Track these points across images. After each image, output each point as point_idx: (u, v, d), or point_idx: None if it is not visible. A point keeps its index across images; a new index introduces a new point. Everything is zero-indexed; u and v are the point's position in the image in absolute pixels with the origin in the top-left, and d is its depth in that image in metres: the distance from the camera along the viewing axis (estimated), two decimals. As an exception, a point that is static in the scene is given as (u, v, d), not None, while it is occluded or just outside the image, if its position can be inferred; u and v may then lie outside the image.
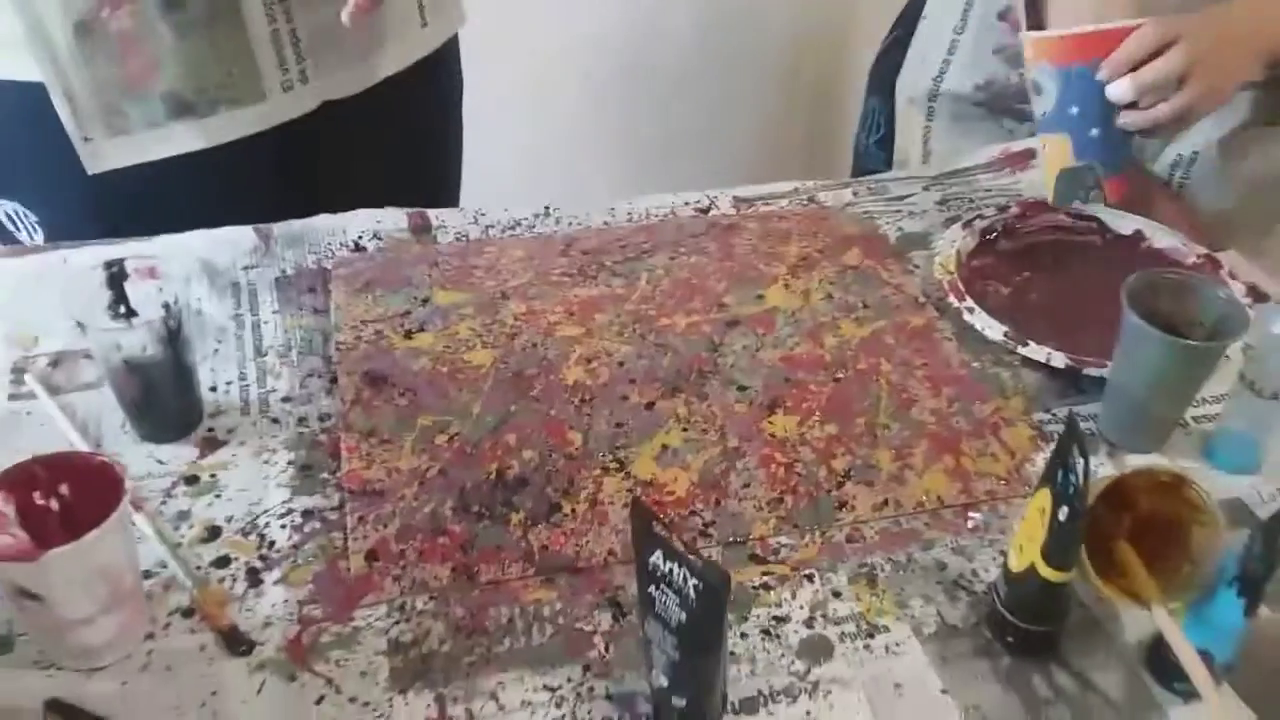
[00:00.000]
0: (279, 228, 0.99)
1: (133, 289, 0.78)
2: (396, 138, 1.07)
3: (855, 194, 1.07)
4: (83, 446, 0.78)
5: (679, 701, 0.62)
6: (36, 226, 0.98)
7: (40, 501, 0.65)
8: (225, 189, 0.97)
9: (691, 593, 0.57)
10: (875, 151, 1.24)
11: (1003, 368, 0.87)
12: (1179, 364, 0.76)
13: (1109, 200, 0.92)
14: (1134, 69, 0.84)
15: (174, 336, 0.75)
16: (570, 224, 1.03)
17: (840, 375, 0.85)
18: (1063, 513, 0.61)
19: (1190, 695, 0.64)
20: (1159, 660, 0.66)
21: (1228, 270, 0.94)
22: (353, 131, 1.01)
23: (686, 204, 1.05)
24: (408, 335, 0.87)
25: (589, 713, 0.64)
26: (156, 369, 0.76)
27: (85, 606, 0.62)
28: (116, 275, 0.77)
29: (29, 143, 0.92)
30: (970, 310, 0.90)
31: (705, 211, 1.05)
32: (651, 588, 0.59)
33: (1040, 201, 1.02)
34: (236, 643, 0.67)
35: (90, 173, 0.90)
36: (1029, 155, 1.10)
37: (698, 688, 0.62)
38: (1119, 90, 0.85)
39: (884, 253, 0.98)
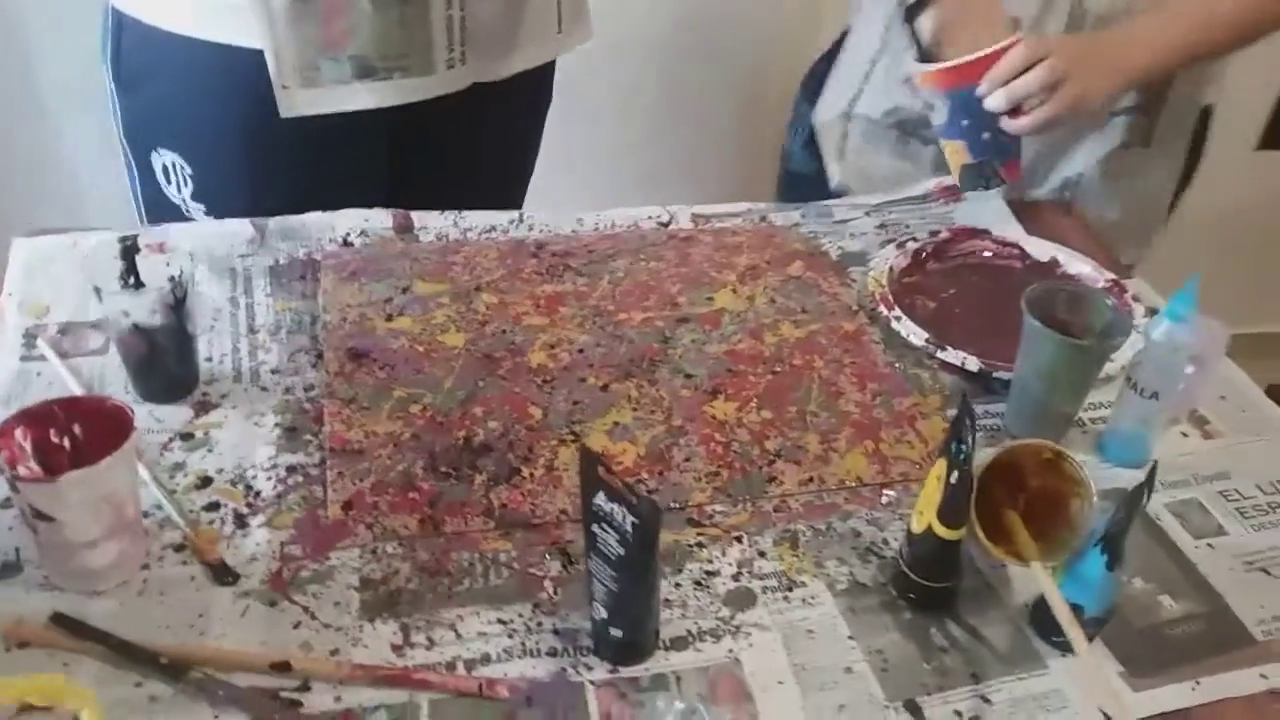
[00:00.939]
0: (274, 222, 1.08)
1: (142, 262, 0.86)
2: (497, 137, 1.20)
3: (803, 216, 1.17)
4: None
5: (616, 633, 0.71)
6: (188, 179, 1.09)
7: (54, 439, 0.73)
8: (344, 167, 1.09)
9: (629, 527, 0.65)
10: (801, 154, 1.33)
11: (923, 369, 0.97)
12: (1071, 362, 0.86)
13: (1009, 181, 1.08)
14: (1007, 84, 0.99)
15: (179, 305, 0.84)
16: (542, 230, 1.12)
17: (777, 369, 0.94)
18: (954, 476, 0.71)
19: (1067, 648, 0.73)
20: (1041, 617, 0.75)
21: (1132, 294, 1.05)
22: (472, 123, 1.14)
23: (649, 217, 1.15)
24: (389, 318, 0.96)
25: (536, 644, 0.72)
26: (161, 334, 0.84)
27: (92, 529, 0.70)
28: (129, 248, 0.86)
29: (201, 100, 1.05)
30: (897, 319, 1.00)
31: (665, 225, 1.14)
32: (595, 526, 0.67)
33: (969, 229, 1.13)
34: (224, 574, 0.75)
35: (283, 115, 1.02)
36: (957, 190, 1.21)
37: (633, 620, 0.70)
38: (994, 102, 1.00)
39: (825, 267, 1.08)
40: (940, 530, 0.73)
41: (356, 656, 0.70)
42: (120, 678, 0.68)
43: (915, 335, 0.98)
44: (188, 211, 1.11)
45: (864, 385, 0.94)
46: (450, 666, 0.70)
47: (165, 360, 0.86)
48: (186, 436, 0.85)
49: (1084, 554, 0.71)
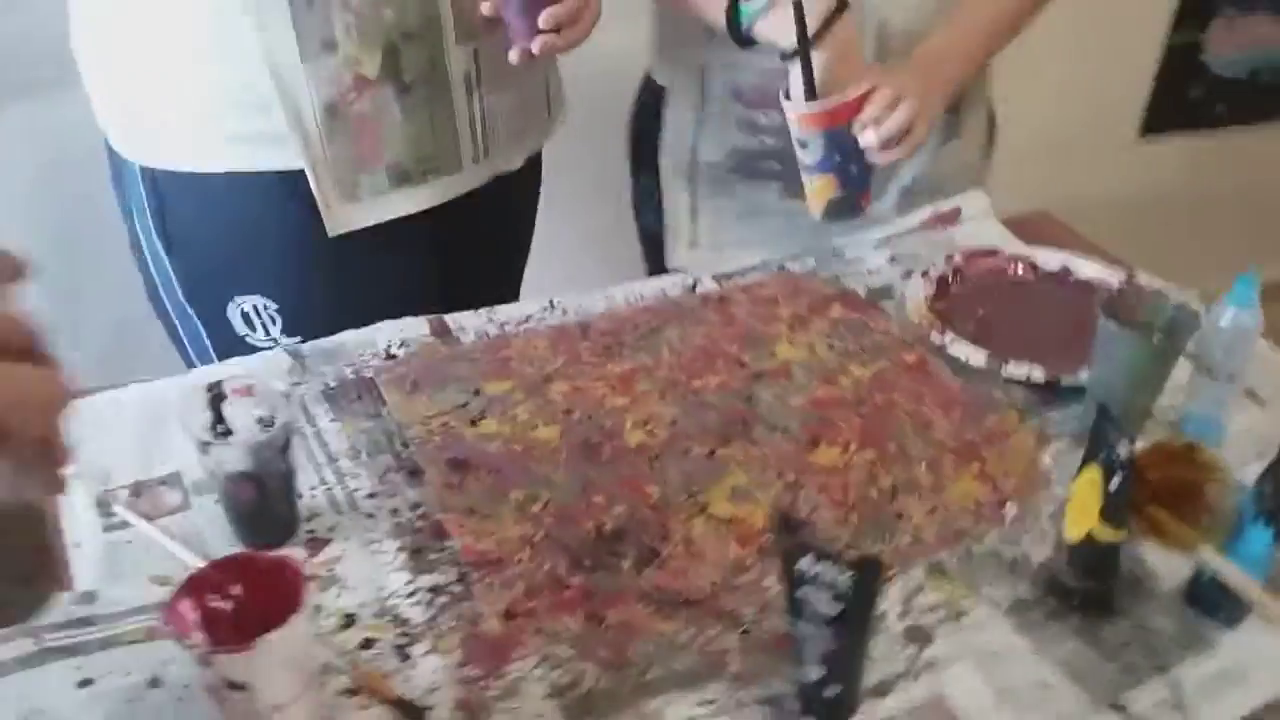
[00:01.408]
0: (308, 347, 1.05)
1: (229, 409, 0.83)
2: (504, 229, 1.22)
3: (816, 260, 1.20)
4: (198, 562, 0.81)
5: (830, 692, 0.71)
6: (276, 316, 1.07)
7: (214, 604, 0.69)
8: (396, 270, 1.10)
9: (848, 583, 0.66)
10: (658, 213, 1.36)
11: (993, 386, 1.01)
12: (1153, 360, 0.91)
13: (864, 206, 1.15)
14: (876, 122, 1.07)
15: (286, 447, 0.81)
16: (576, 313, 1.12)
17: (863, 410, 0.96)
18: (1114, 482, 0.74)
19: (1234, 620, 0.76)
20: (1199, 597, 0.79)
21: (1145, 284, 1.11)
22: (497, 211, 1.17)
23: (675, 285, 1.16)
24: (473, 423, 0.94)
25: (747, 717, 0.72)
26: (269, 478, 0.81)
27: (285, 691, 0.66)
28: (216, 397, 0.82)
29: (276, 232, 1.05)
30: (953, 342, 1.04)
31: (693, 289, 1.16)
32: (802, 589, 0.68)
33: (981, 250, 1.18)
34: (412, 712, 0.72)
35: (330, 234, 1.02)
36: (955, 214, 1.26)
37: (849, 675, 0.71)
38: (868, 139, 1.07)
39: (862, 305, 1.11)
40: (1104, 534, 0.76)
41: None
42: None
43: (975, 356, 1.02)
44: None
45: (948, 411, 0.97)
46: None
47: (273, 504, 0.83)
48: (310, 578, 0.82)
49: (1243, 532, 0.75)
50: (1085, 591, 0.79)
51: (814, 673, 0.70)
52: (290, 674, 0.66)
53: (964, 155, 1.34)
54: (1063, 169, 2.23)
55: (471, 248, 1.16)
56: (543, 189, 1.32)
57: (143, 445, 0.92)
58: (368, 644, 0.77)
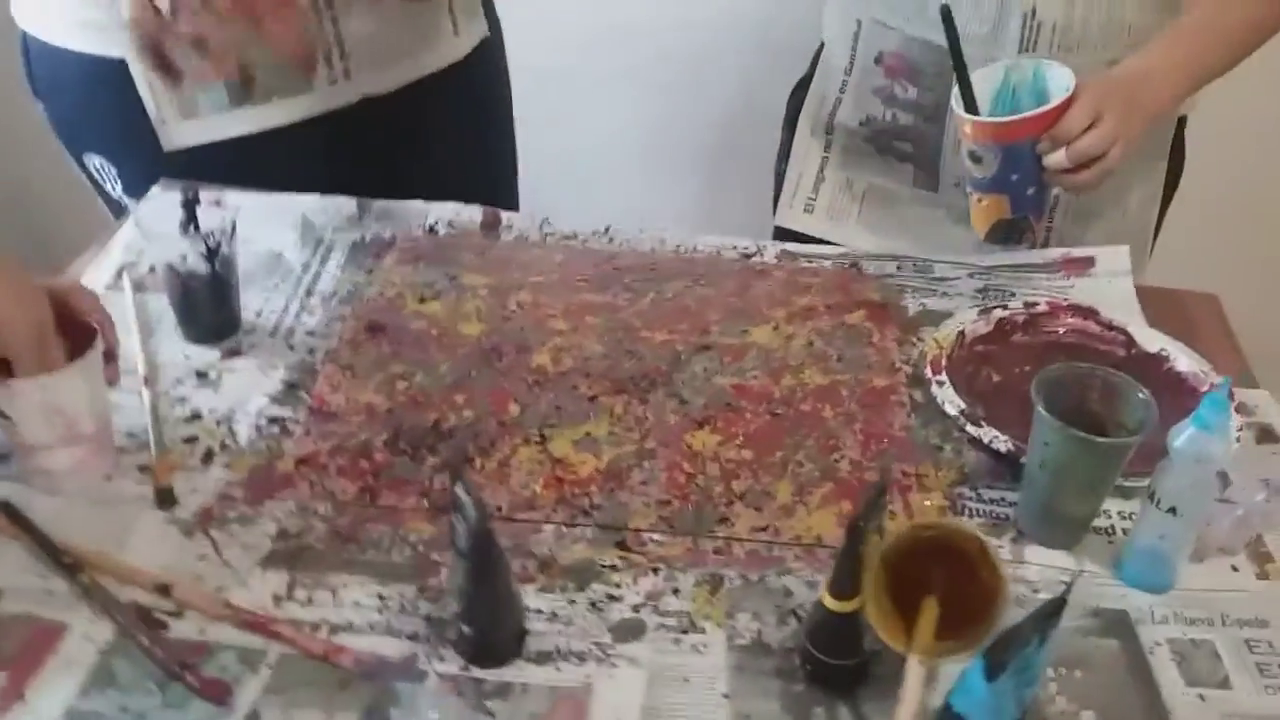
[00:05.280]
0: (377, 203, 1.15)
1: (204, 215, 0.94)
2: (438, 137, 1.22)
3: (899, 268, 1.10)
4: (134, 333, 0.94)
5: (467, 629, 0.69)
6: (116, 179, 1.16)
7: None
8: (281, 172, 1.12)
9: (475, 521, 0.64)
10: None
11: (948, 443, 0.88)
12: (1078, 458, 0.75)
13: (1035, 236, 1.09)
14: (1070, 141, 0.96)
15: (212, 254, 0.91)
16: (621, 244, 1.12)
17: (779, 411, 0.89)
18: (846, 547, 0.64)
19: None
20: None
21: (1238, 403, 0.90)
22: (396, 127, 1.18)
23: (734, 248, 1.12)
24: (421, 300, 0.99)
25: (403, 625, 0.72)
26: (196, 279, 0.92)
27: (44, 435, 0.77)
28: (190, 200, 0.94)
29: (111, 108, 1.08)
30: (940, 384, 0.92)
31: (748, 257, 1.11)
32: (454, 516, 0.66)
33: (1073, 305, 1.02)
34: (166, 499, 0.80)
35: (165, 149, 1.08)
36: (1087, 264, 1.09)
37: (483, 620, 0.69)
38: (1056, 160, 0.96)
39: (888, 321, 1.00)
40: (828, 602, 0.66)
41: (236, 597, 0.73)
42: (33, 568, 0.74)
43: (951, 404, 0.90)
44: (128, 208, 1.14)
45: (868, 445, 0.87)
46: (315, 627, 0.71)
47: (200, 304, 0.93)
48: (202, 375, 0.92)
49: (965, 674, 0.62)
50: (817, 661, 0.69)
51: (452, 605, 0.69)
52: (50, 422, 0.76)
53: (1131, 202, 1.15)
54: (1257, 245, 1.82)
55: (375, 162, 1.17)
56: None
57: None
58: (191, 439, 0.86)
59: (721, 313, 1.00)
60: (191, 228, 0.94)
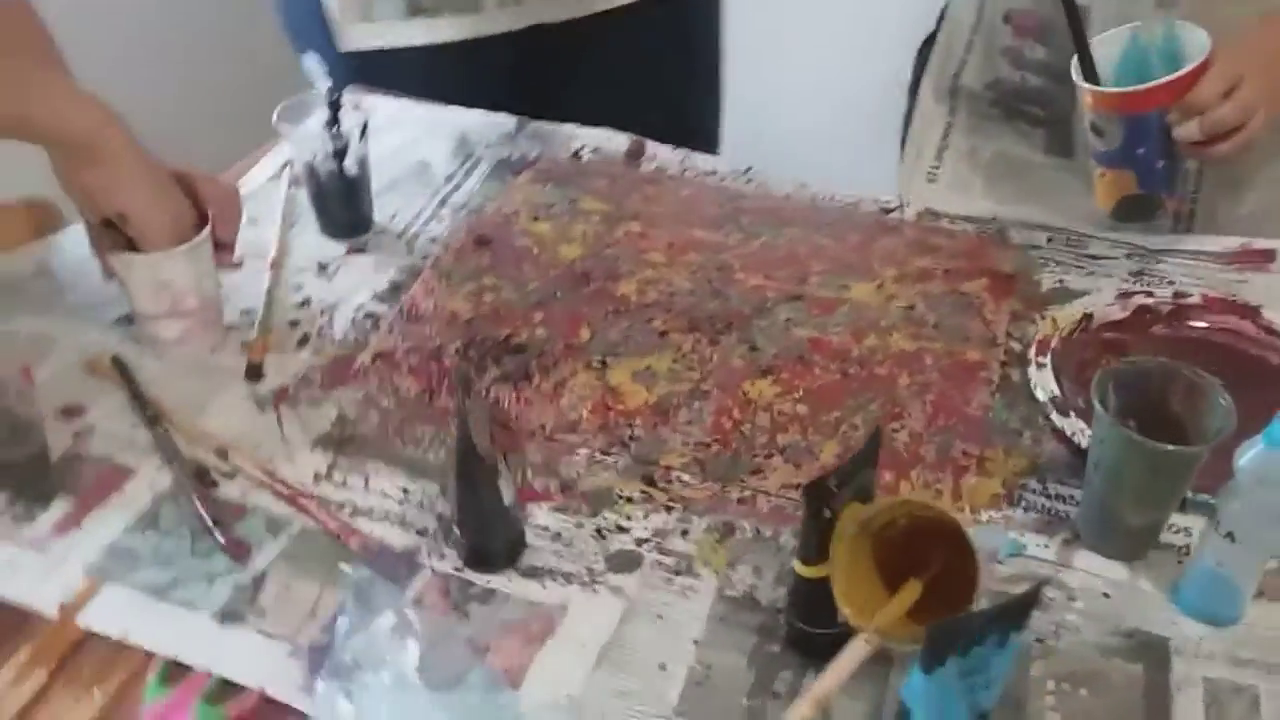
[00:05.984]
0: (534, 124, 1.18)
1: (345, 118, 1.00)
2: (622, 71, 1.21)
3: (1050, 240, 1.01)
4: (277, 222, 1.02)
5: (459, 534, 0.72)
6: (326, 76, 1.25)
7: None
8: (452, 88, 1.17)
9: (462, 429, 0.66)
10: None
11: (1030, 429, 0.82)
12: (1137, 464, 0.68)
13: (1170, 213, 0.99)
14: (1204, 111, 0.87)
15: (341, 154, 0.97)
16: (758, 186, 1.09)
17: (852, 370, 0.85)
18: (812, 509, 0.62)
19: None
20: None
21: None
22: (568, 60, 1.19)
23: (875, 201, 1.07)
24: (534, 219, 1.02)
25: (417, 520, 0.76)
26: (328, 177, 0.98)
27: (151, 307, 0.85)
28: (334, 101, 1.00)
29: (312, 8, 1.17)
30: (1040, 366, 0.85)
31: (886, 213, 1.06)
32: (459, 422, 0.69)
33: (1231, 301, 0.91)
34: (254, 374, 0.87)
35: (340, 50, 1.15)
36: (1268, 256, 0.97)
37: (473, 526, 0.71)
38: (1188, 132, 0.88)
39: (1010, 295, 0.93)
40: (797, 565, 0.64)
41: (282, 470, 0.79)
42: (126, 417, 0.83)
43: (1044, 389, 0.83)
44: None
45: (935, 418, 0.82)
46: (340, 507, 0.76)
47: (331, 201, 1.00)
48: (323, 267, 0.99)
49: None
50: (789, 625, 0.67)
51: (448, 506, 0.72)
52: (156, 296, 0.85)
53: None
54: None
55: (562, 84, 1.17)
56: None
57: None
58: (295, 324, 0.93)
59: (828, 264, 0.96)
60: (335, 128, 1.00)
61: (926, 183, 1.12)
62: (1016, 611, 0.56)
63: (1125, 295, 0.92)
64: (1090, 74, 0.92)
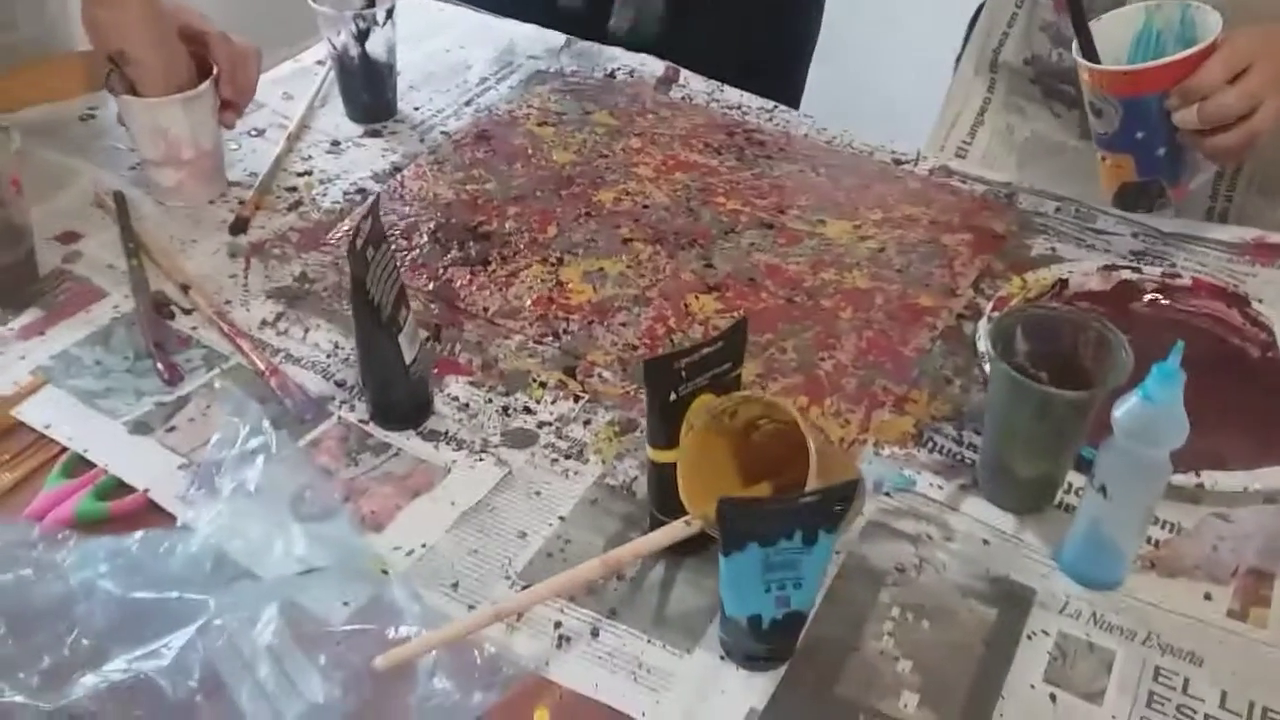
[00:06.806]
0: (581, 43, 1.20)
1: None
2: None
3: (1058, 209, 0.98)
4: (306, 98, 1.07)
5: (367, 380, 0.75)
6: None
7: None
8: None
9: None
10: None
11: (962, 378, 0.80)
12: (1018, 405, 0.66)
13: (1175, 202, 0.93)
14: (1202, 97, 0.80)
15: (363, 36, 1.01)
16: (779, 125, 1.09)
17: (797, 298, 0.85)
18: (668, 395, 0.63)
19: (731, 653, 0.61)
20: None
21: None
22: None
23: (891, 152, 1.05)
24: (540, 124, 1.04)
25: (341, 373, 0.79)
26: (350, 60, 1.02)
27: (149, 152, 0.91)
28: (369, -6, 1.04)
29: None
30: (991, 321, 0.83)
31: (900, 164, 1.04)
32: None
33: (1220, 288, 0.87)
34: (238, 228, 0.92)
35: None
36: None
37: (371, 382, 0.75)
38: (1186, 118, 0.83)
39: (989, 250, 0.91)
40: (648, 449, 0.65)
41: (234, 314, 0.84)
42: (116, 249, 0.89)
43: (983, 340, 0.81)
44: None
45: (866, 354, 0.81)
46: (276, 352, 0.81)
47: (353, 83, 1.04)
48: (335, 144, 1.03)
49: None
50: (649, 514, 0.68)
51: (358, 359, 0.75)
52: (154, 142, 0.90)
53: None
54: None
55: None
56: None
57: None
58: (291, 189, 0.97)
59: (813, 199, 0.95)
60: (362, 9, 1.04)
61: (956, 157, 1.09)
62: (823, 508, 0.56)
63: (1110, 268, 0.89)
64: (1089, 51, 0.88)
